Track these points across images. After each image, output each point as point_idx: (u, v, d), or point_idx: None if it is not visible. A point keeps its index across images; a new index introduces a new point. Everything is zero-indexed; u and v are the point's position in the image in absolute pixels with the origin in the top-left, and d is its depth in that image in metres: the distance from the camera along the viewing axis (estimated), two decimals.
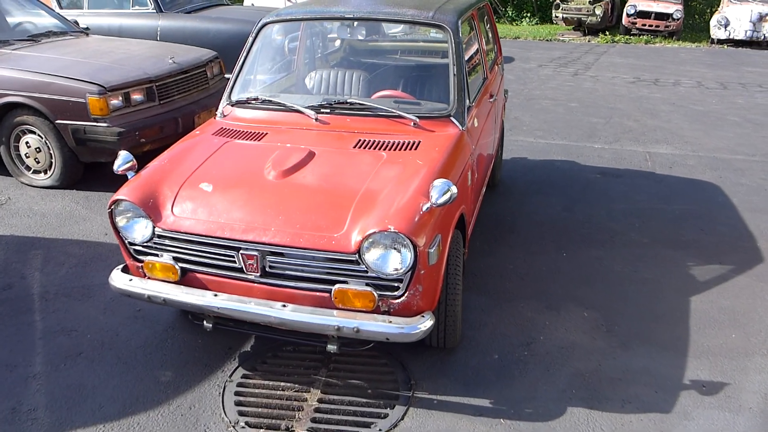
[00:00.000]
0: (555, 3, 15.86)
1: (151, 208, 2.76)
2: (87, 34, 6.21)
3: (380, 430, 2.64)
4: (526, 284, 3.75)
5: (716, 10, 14.63)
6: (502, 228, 4.51)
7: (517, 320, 3.39)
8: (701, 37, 14.84)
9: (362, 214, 2.57)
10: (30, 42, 5.55)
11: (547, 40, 14.93)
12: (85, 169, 5.15)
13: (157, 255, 2.81)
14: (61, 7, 7.64)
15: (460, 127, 3.23)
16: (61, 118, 4.77)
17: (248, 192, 2.75)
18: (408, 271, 2.51)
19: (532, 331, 3.29)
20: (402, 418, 2.70)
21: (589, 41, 14.59)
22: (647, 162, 5.90)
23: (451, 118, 3.24)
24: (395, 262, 2.51)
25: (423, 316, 2.60)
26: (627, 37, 14.71)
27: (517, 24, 18.04)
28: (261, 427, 2.67)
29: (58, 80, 4.73)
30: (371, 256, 2.51)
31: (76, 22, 6.43)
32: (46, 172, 5.06)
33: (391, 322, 2.55)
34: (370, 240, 2.48)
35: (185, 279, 2.80)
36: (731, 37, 13.60)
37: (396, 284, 2.57)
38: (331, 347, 2.71)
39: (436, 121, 3.23)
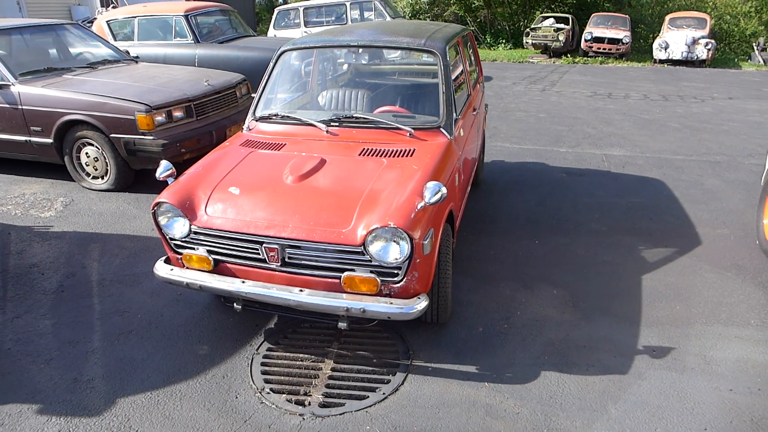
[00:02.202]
0: (525, 31, 15.67)
1: (187, 209, 2.67)
2: (136, 62, 6.08)
3: (384, 393, 2.57)
4: (505, 267, 3.66)
5: (658, 35, 14.42)
6: (485, 220, 4.41)
7: (497, 298, 3.30)
8: (646, 57, 14.62)
9: (366, 212, 2.48)
10: (88, 69, 5.44)
11: (519, 62, 14.73)
12: (136, 175, 5.05)
13: (193, 248, 2.72)
14: (115, 39, 7.53)
15: (449, 137, 3.13)
16: (114, 132, 4.67)
17: (269, 194, 2.66)
18: (406, 260, 2.43)
19: (511, 307, 3.20)
20: (402, 383, 2.62)
21: (554, 62, 14.39)
22: (604, 162, 5.77)
23: (441, 129, 3.14)
24: (395, 252, 2.42)
25: (419, 298, 2.52)
26: (585, 58, 14.51)
27: (494, 49, 17.81)
28: (283, 393, 2.59)
29: (112, 100, 4.63)
30: (374, 248, 2.42)
31: (128, 52, 6.31)
32: (103, 178, 4.97)
33: (392, 303, 2.46)
34: (374, 234, 2.39)
35: (218, 268, 2.71)
36: (670, 57, 13.39)
37: (396, 271, 2.48)
38: (342, 324, 2.62)
39: (428, 132, 3.13)
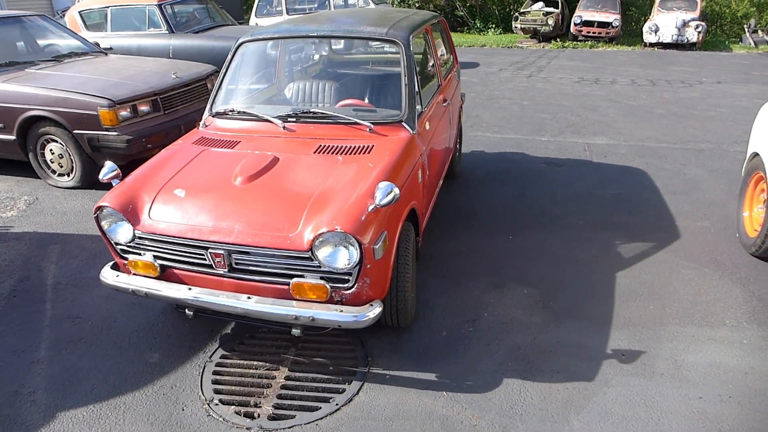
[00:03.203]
0: (514, 15, 15.37)
1: (130, 213, 2.51)
2: (106, 54, 5.86)
3: (337, 404, 2.43)
4: (477, 266, 3.51)
5: (648, 18, 14.16)
6: (461, 214, 4.26)
7: (465, 299, 3.15)
8: (636, 41, 14.37)
9: (315, 214, 2.32)
10: (53, 62, 5.23)
11: (508, 47, 14.46)
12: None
13: (139, 254, 2.57)
14: (87, 30, 7.29)
15: (411, 131, 2.96)
16: (78, 128, 4.48)
17: (216, 197, 2.49)
18: (356, 266, 2.28)
19: (478, 309, 3.06)
20: (357, 393, 2.48)
21: (543, 47, 14.14)
22: (586, 152, 5.61)
23: (403, 123, 2.96)
24: (344, 258, 2.27)
25: (371, 305, 2.37)
26: (575, 43, 14.25)
27: (484, 34, 17.49)
28: (233, 404, 2.45)
29: (74, 95, 4.44)
30: (322, 253, 2.27)
31: (97, 44, 6.08)
32: (68, 175, 4.79)
33: (342, 311, 2.32)
34: (321, 239, 2.24)
35: (165, 275, 2.56)
36: (660, 41, 13.15)
37: (346, 277, 2.33)
38: (295, 331, 2.47)
39: (389, 127, 2.96)
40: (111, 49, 6.91)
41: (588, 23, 13.92)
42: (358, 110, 3.11)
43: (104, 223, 2.56)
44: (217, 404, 2.45)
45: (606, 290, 3.19)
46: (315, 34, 3.26)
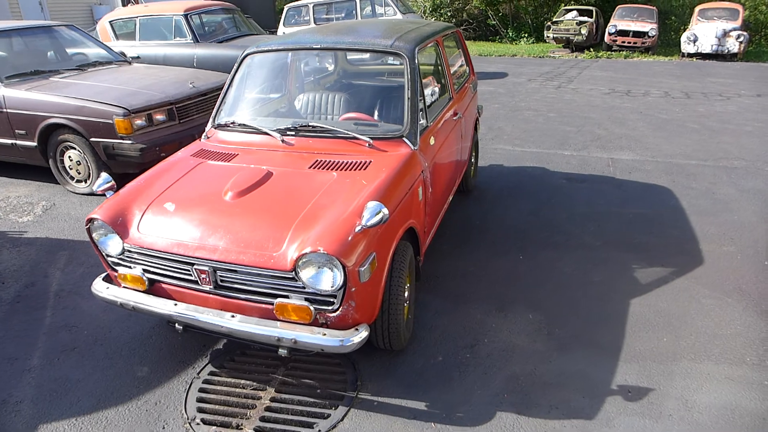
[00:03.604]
0: (547, 25, 15.10)
1: (119, 226, 2.48)
2: (130, 63, 5.97)
3: (320, 430, 2.33)
4: (482, 286, 3.37)
5: (687, 28, 13.67)
6: (471, 231, 4.12)
7: (466, 322, 3.02)
8: (674, 51, 13.89)
9: (301, 233, 2.24)
10: (77, 71, 5.35)
11: (539, 57, 14.19)
12: (120, 178, 4.92)
13: (129, 267, 2.54)
14: (117, 40, 7.47)
15: (412, 147, 2.85)
16: (94, 136, 4.55)
17: (204, 212, 2.44)
18: (340, 288, 2.18)
19: (479, 334, 2.91)
20: (342, 419, 2.38)
21: (575, 57, 13.81)
22: (610, 168, 5.38)
23: (404, 139, 2.86)
24: (328, 279, 2.18)
25: (357, 329, 2.27)
26: (609, 52, 13.88)
27: (515, 43, 17.26)
28: (214, 425, 2.38)
29: (91, 104, 4.51)
30: (305, 275, 2.18)
31: (123, 53, 6.21)
32: (86, 182, 4.87)
33: (325, 335, 2.22)
34: (304, 260, 2.15)
35: (153, 289, 2.52)
36: (699, 51, 12.66)
37: (331, 299, 2.24)
38: (282, 351, 2.39)
39: (389, 142, 2.86)
40: (138, 58, 7.07)
41: (623, 33, 13.54)
42: (359, 124, 3.03)
43: (95, 235, 2.55)
44: (198, 423, 2.39)
45: (617, 318, 3.00)
46: (318, 46, 3.20)
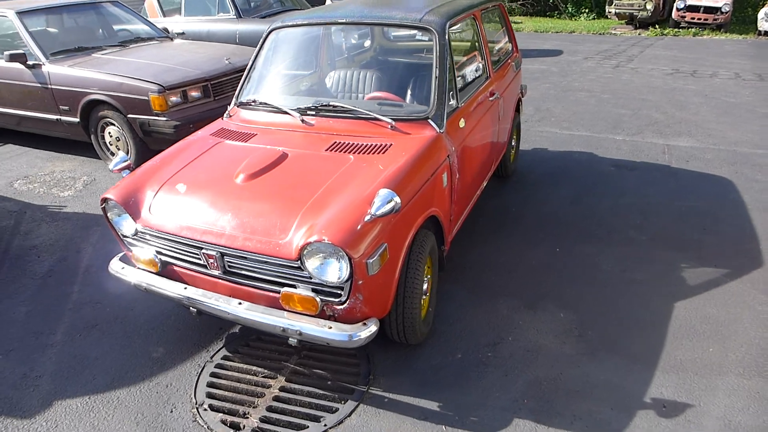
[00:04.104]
0: None
1: (132, 207, 2.45)
2: (172, 39, 6.00)
3: (326, 425, 2.24)
4: (512, 279, 3.17)
5: (766, 3, 12.49)
6: (506, 219, 3.90)
7: (491, 318, 2.84)
8: (749, 29, 12.75)
9: (308, 220, 2.12)
10: (119, 47, 5.41)
11: (599, 34, 13.37)
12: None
13: (143, 248, 2.51)
14: (164, 16, 7.54)
15: (438, 130, 2.67)
16: (131, 112, 4.59)
17: (214, 194, 2.36)
18: (347, 281, 2.06)
19: (503, 331, 2.74)
20: (350, 415, 2.29)
21: (638, 34, 12.93)
22: (664, 155, 4.96)
23: (429, 121, 2.68)
24: (335, 270, 2.06)
25: (365, 324, 2.15)
26: (676, 30, 12.91)
27: (575, 19, 16.38)
28: (221, 411, 2.34)
29: (128, 80, 4.54)
30: (311, 264, 2.07)
31: (166, 29, 6.24)
32: None
33: (331, 328, 2.11)
34: (309, 249, 2.04)
35: (165, 271, 2.49)
36: None
37: (338, 291, 2.12)
38: (292, 341, 2.30)
39: (413, 124, 2.69)
40: (183, 34, 7.11)
41: (693, 8, 12.54)
42: (383, 104, 2.87)
43: (110, 215, 2.53)
44: (206, 409, 2.35)
45: (658, 322, 2.74)
46: (343, 21, 3.04)
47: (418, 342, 2.60)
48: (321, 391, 2.41)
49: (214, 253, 2.25)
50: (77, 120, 4.92)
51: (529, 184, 4.48)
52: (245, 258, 2.20)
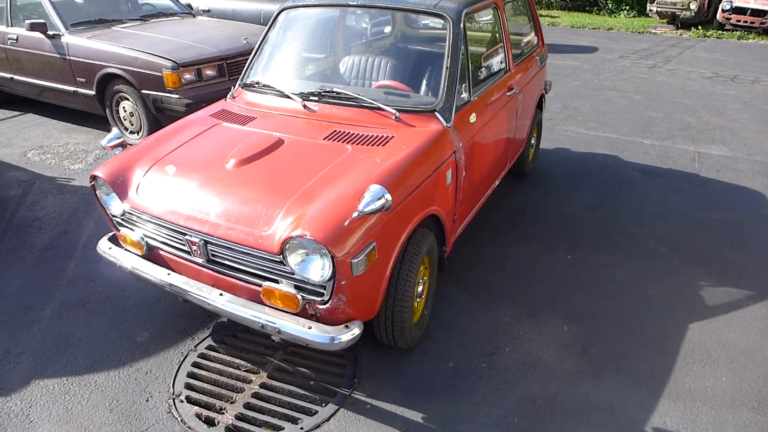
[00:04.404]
0: None
1: (119, 186, 2.36)
2: (194, 16, 5.92)
3: (302, 428, 2.13)
4: (518, 285, 3.00)
5: None
6: (518, 221, 3.71)
7: (490, 325, 2.68)
8: None
9: (294, 213, 1.99)
10: (139, 21, 5.35)
11: (638, 33, 12.84)
12: None
13: (131, 229, 2.42)
14: None
15: (445, 124, 2.50)
16: (144, 88, 4.53)
17: (202, 178, 2.25)
18: (329, 280, 1.93)
19: (501, 340, 2.58)
20: (328, 419, 2.17)
21: (680, 35, 12.38)
22: (694, 163, 4.68)
23: (436, 114, 2.52)
24: (317, 268, 1.93)
25: (348, 326, 2.02)
26: (720, 32, 12.30)
27: (615, 16, 15.78)
28: (198, 404, 2.25)
29: (143, 56, 4.47)
30: (293, 260, 1.95)
31: (189, 6, 6.16)
32: (138, 133, 4.90)
33: (311, 328, 1.99)
34: (291, 243, 1.92)
35: (151, 254, 2.40)
36: None
37: (320, 290, 1.99)
38: (275, 337, 2.20)
39: (419, 116, 2.53)
40: (209, 11, 7.02)
41: (739, 10, 11.91)
42: (391, 93, 2.71)
43: (99, 193, 2.45)
44: (182, 401, 2.26)
45: (669, 343, 2.54)
46: (354, 3, 2.88)
47: (409, 346, 2.46)
48: (302, 391, 2.30)
49: (197, 240, 2.14)
50: (93, 93, 4.88)
51: (547, 185, 4.27)
52: (228, 248, 2.09)
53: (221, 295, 2.17)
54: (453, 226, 2.73)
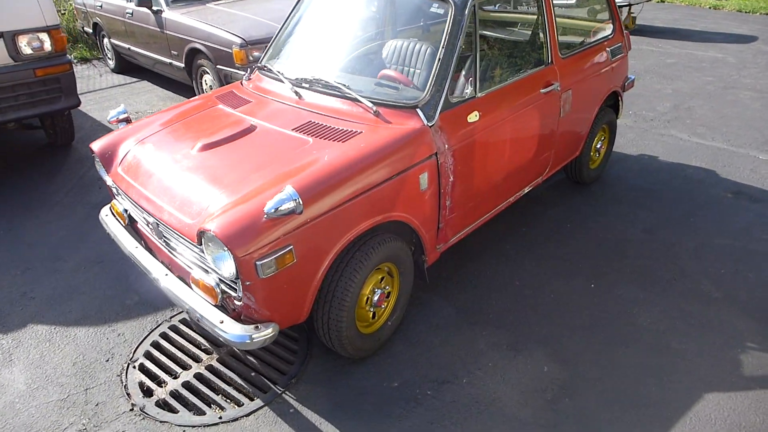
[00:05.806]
0: None
1: (107, 160, 2.49)
2: None
3: (220, 418, 2.12)
4: (514, 310, 2.65)
5: None
6: (552, 236, 3.26)
7: (461, 349, 2.41)
8: None
9: (219, 205, 1.94)
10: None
11: None
12: None
13: (119, 200, 2.57)
14: None
15: (425, 122, 2.25)
16: (219, 63, 4.76)
17: (168, 160, 2.28)
18: (237, 278, 1.85)
19: (462, 369, 2.30)
20: (248, 415, 2.13)
21: None
22: None
23: (417, 110, 2.27)
24: (229, 266, 1.86)
25: (258, 327, 1.93)
26: None
27: None
28: (147, 374, 2.34)
29: (219, 32, 4.68)
30: (209, 252, 1.90)
31: None
32: None
33: (222, 322, 1.94)
34: (204, 237, 1.87)
35: (133, 225, 2.52)
36: None
37: (235, 286, 1.93)
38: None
39: (400, 111, 2.30)
40: None
41: None
42: (382, 85, 2.50)
43: (96, 165, 2.62)
44: (134, 368, 2.38)
45: (674, 415, 2.06)
46: None
47: (355, 357, 2.31)
48: (241, 381, 2.28)
49: (152, 220, 2.19)
50: (182, 66, 5.26)
51: (608, 197, 3.70)
52: (172, 232, 2.10)
53: (166, 274, 2.21)
54: (436, 236, 2.47)
